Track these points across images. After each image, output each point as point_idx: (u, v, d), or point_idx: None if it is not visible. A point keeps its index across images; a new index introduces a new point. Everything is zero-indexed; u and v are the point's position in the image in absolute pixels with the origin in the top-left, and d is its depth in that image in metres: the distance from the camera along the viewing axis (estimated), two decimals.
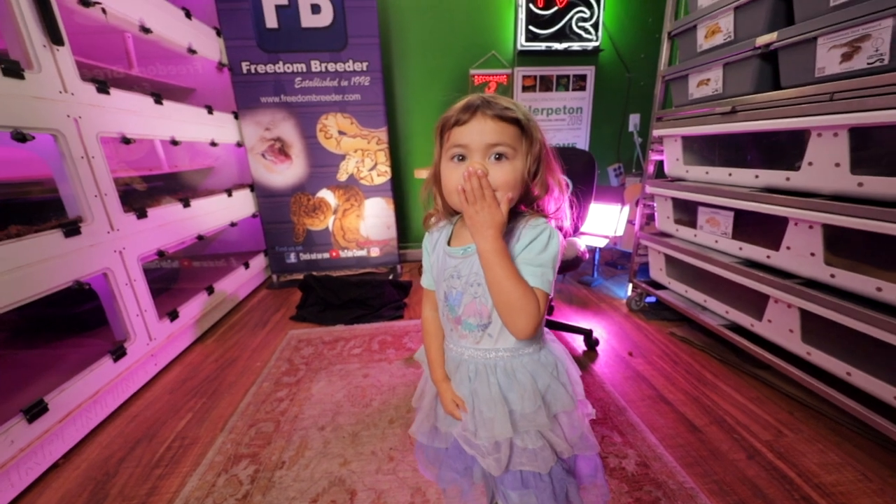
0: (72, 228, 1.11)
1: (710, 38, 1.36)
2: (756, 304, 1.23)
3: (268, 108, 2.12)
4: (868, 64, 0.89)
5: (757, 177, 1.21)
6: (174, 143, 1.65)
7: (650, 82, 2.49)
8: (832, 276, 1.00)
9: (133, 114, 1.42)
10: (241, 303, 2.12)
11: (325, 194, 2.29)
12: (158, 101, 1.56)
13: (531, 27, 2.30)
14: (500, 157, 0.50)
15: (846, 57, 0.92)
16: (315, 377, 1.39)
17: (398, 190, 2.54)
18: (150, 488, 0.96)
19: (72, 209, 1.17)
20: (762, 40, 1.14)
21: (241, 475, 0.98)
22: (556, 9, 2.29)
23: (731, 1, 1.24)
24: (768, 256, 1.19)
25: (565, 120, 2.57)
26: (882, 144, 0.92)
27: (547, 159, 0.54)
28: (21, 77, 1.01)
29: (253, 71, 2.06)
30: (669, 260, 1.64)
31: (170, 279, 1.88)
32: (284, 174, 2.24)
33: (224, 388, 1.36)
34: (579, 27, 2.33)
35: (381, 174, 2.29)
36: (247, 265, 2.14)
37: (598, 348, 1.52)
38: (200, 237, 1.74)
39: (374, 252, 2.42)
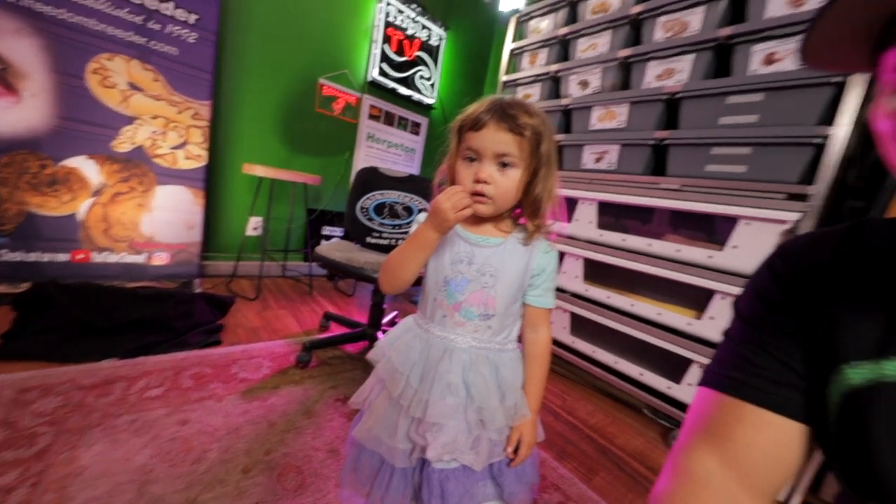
0: None
1: None
2: None
3: None
4: (607, 166, 1.56)
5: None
6: None
7: None
8: (586, 290, 1.60)
9: None
10: None
11: (83, 164, 1.53)
12: None
13: (384, 65, 2.49)
14: (505, 165, 0.53)
15: (598, 160, 1.57)
16: (78, 441, 0.86)
17: (214, 183, 2.00)
18: None
19: None
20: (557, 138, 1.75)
21: None
22: (405, 59, 2.59)
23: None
24: None
25: (401, 156, 2.84)
26: (613, 213, 1.60)
27: (550, 168, 0.55)
28: None
29: None
30: None
31: None
32: (1, 115, 1.35)
33: None
34: (420, 83, 2.72)
35: (191, 157, 1.76)
36: None
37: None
38: None
39: (160, 259, 1.77)
